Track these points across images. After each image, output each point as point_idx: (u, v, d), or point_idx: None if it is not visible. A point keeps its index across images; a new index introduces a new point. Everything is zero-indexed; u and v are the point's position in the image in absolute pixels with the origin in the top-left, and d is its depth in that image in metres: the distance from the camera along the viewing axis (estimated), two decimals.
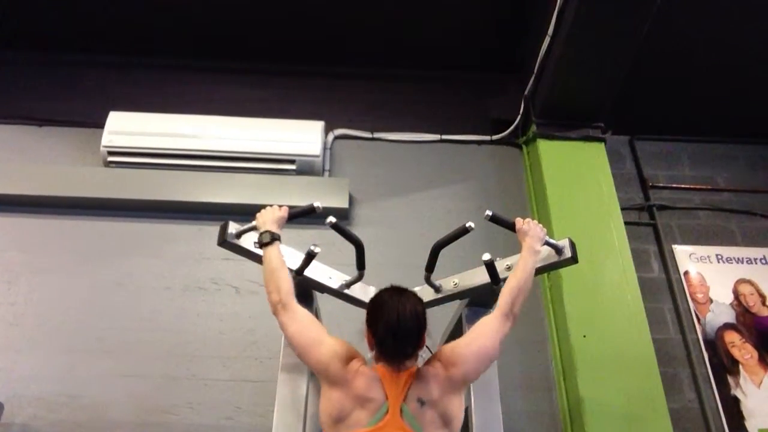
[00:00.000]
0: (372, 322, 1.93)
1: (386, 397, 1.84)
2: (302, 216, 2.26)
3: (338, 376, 1.88)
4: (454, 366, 1.92)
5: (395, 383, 1.87)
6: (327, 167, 3.74)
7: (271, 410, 2.13)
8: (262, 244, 2.09)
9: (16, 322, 3.15)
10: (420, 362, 1.98)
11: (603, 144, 3.71)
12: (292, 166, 3.60)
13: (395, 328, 1.86)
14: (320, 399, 1.93)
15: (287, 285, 2.02)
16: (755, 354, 3.46)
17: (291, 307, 1.99)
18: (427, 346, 2.01)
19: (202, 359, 3.09)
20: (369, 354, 2.00)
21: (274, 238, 2.09)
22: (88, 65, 4.06)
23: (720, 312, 3.58)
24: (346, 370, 1.89)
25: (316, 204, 2.25)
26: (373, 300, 1.99)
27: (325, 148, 3.73)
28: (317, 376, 1.98)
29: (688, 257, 3.74)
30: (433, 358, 1.99)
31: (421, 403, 1.85)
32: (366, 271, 2.36)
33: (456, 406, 1.91)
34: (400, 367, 1.90)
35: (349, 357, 1.94)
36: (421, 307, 1.94)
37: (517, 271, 2.10)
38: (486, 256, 2.20)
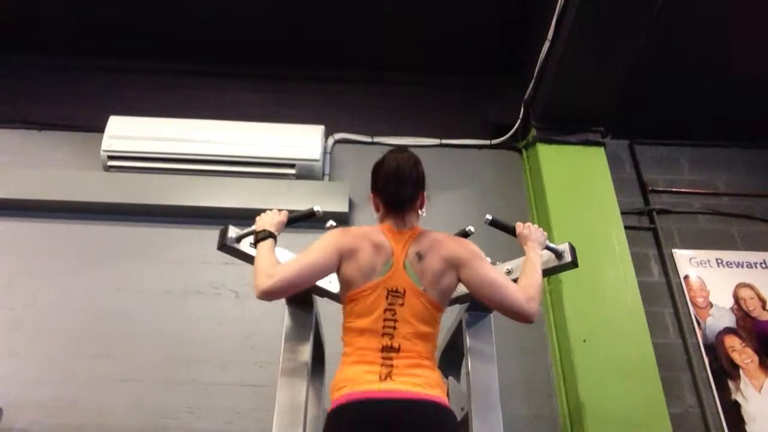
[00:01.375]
0: (374, 181, 2.05)
1: (392, 251, 1.93)
2: (302, 220, 2.26)
3: (351, 242, 1.94)
4: (459, 244, 2.00)
5: (399, 237, 1.97)
6: (327, 171, 3.74)
7: (271, 415, 2.12)
8: (256, 240, 2.07)
9: (15, 327, 3.15)
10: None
11: (603, 148, 3.71)
12: (292, 171, 3.61)
13: (395, 172, 1.98)
14: (343, 275, 1.94)
15: (272, 264, 1.93)
16: (756, 358, 3.45)
17: (275, 269, 1.87)
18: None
19: (201, 364, 3.09)
20: (375, 215, 2.09)
21: (270, 235, 2.07)
22: (88, 70, 4.07)
23: (720, 316, 3.57)
24: (353, 234, 1.99)
25: (316, 208, 2.25)
26: (375, 164, 2.08)
27: (325, 153, 3.73)
28: (342, 269, 1.94)
29: (688, 261, 3.73)
30: (444, 235, 2.04)
31: (419, 257, 1.93)
32: None
33: (441, 269, 1.93)
34: (403, 222, 1.99)
35: (346, 229, 2.05)
36: (419, 161, 2.03)
37: (526, 269, 2.05)
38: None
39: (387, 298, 1.88)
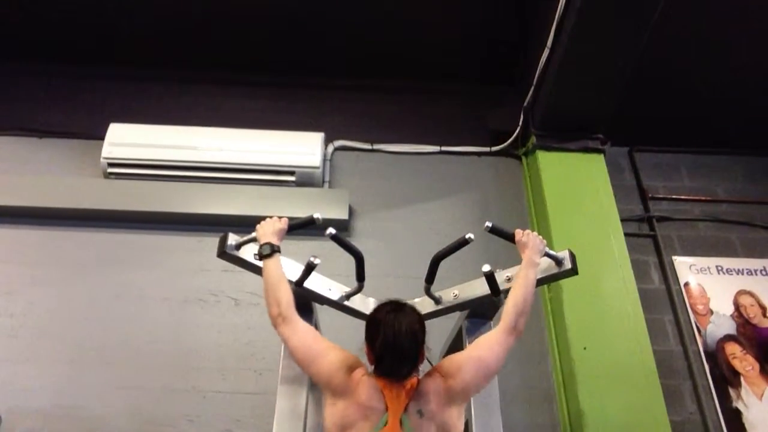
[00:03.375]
0: (370, 340, 1.93)
1: (386, 408, 1.84)
2: (302, 227, 2.26)
3: (342, 387, 1.88)
4: (452, 377, 1.91)
5: (396, 394, 1.86)
6: (327, 178, 3.74)
7: (271, 422, 2.11)
8: (261, 256, 2.08)
9: (15, 334, 3.14)
10: (421, 374, 1.97)
11: (602, 155, 3.72)
12: (292, 178, 3.61)
13: (392, 347, 1.86)
14: (325, 409, 1.92)
15: (287, 297, 2.00)
16: (756, 366, 3.44)
17: (292, 319, 1.98)
18: (427, 359, 2.00)
19: (200, 371, 3.09)
20: (370, 368, 1.99)
21: (274, 250, 2.07)
22: (88, 77, 4.07)
23: (720, 323, 3.57)
24: (349, 379, 1.89)
25: (316, 215, 2.25)
26: (371, 317, 1.98)
27: (324, 160, 3.74)
28: (321, 388, 1.97)
29: (688, 268, 3.73)
30: (434, 370, 1.98)
31: (420, 414, 1.84)
32: (366, 283, 2.35)
33: (455, 418, 1.89)
34: (399, 378, 1.89)
35: (352, 367, 1.93)
36: (418, 323, 1.92)
37: (518, 285, 2.08)
38: (486, 268, 2.19)
39: None
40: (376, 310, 1.98)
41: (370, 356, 1.93)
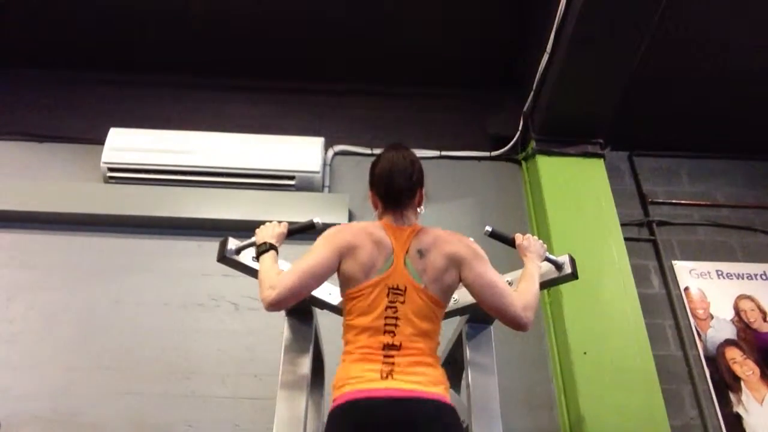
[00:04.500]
0: (371, 177, 2.06)
1: (393, 247, 1.93)
2: (302, 232, 2.26)
3: (351, 239, 1.93)
4: (461, 242, 1.98)
5: (399, 234, 1.96)
6: (327, 183, 3.75)
7: (270, 428, 2.11)
8: (258, 254, 2.07)
9: (14, 339, 3.14)
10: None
11: (602, 160, 3.72)
12: (292, 182, 3.61)
13: (391, 166, 1.99)
14: (343, 272, 1.92)
15: (276, 275, 1.91)
16: (757, 370, 3.44)
17: (277, 279, 1.86)
18: None
19: (200, 376, 3.08)
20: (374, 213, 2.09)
21: (272, 247, 2.07)
22: (88, 82, 4.08)
23: (721, 328, 3.56)
24: (352, 230, 1.97)
25: (316, 220, 2.25)
26: (372, 162, 2.09)
27: (324, 164, 3.74)
28: (340, 269, 1.93)
29: (689, 273, 3.73)
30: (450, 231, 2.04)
31: (420, 254, 1.93)
32: None
33: (443, 265, 1.92)
34: (402, 219, 2.00)
35: (346, 225, 2.04)
36: (415, 157, 2.05)
37: (528, 279, 2.05)
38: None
39: (388, 295, 1.88)
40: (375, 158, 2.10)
41: (373, 195, 2.06)
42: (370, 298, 1.89)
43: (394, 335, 1.86)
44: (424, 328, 1.90)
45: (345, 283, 1.95)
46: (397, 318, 1.87)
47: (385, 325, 1.87)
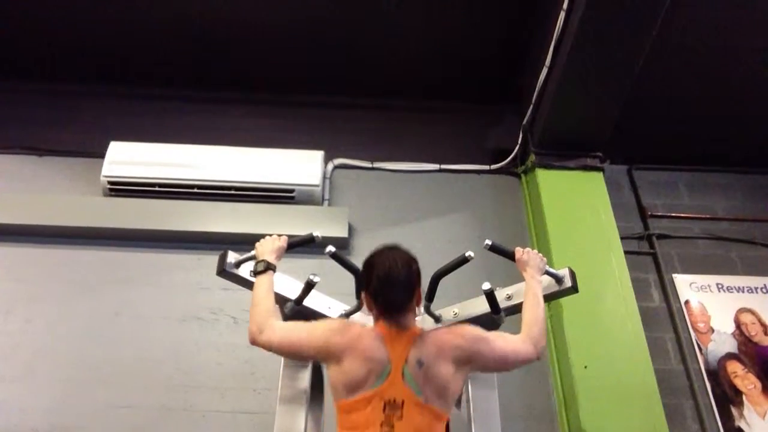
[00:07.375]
0: (367, 281, 1.93)
1: (389, 357, 1.83)
2: (302, 245, 2.26)
3: (342, 344, 1.85)
4: (464, 338, 1.91)
5: (397, 342, 1.86)
6: (326, 197, 3.75)
7: None
8: (256, 273, 2.08)
9: (12, 353, 3.12)
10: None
11: (601, 173, 3.73)
12: (292, 196, 3.61)
13: (387, 275, 1.87)
14: (330, 379, 1.88)
15: (267, 312, 1.98)
16: (758, 384, 3.42)
17: (266, 325, 1.93)
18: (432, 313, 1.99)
19: (199, 390, 3.06)
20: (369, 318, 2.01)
21: (269, 267, 2.08)
22: (88, 96, 4.09)
23: (722, 341, 3.55)
24: (348, 333, 1.88)
25: (316, 233, 2.25)
26: (365, 263, 1.98)
27: (324, 178, 3.75)
28: (323, 363, 1.95)
29: (689, 286, 3.72)
30: (444, 327, 2.02)
31: (420, 364, 1.83)
32: None
33: (451, 374, 1.85)
34: (400, 325, 1.89)
35: (347, 324, 1.96)
36: (412, 259, 1.95)
37: (533, 303, 2.08)
38: (486, 286, 2.19)
39: (384, 410, 1.76)
40: (369, 256, 1.98)
41: (368, 300, 1.94)
42: (363, 413, 1.78)
43: None
44: None
45: (336, 392, 1.86)
46: None
47: None
